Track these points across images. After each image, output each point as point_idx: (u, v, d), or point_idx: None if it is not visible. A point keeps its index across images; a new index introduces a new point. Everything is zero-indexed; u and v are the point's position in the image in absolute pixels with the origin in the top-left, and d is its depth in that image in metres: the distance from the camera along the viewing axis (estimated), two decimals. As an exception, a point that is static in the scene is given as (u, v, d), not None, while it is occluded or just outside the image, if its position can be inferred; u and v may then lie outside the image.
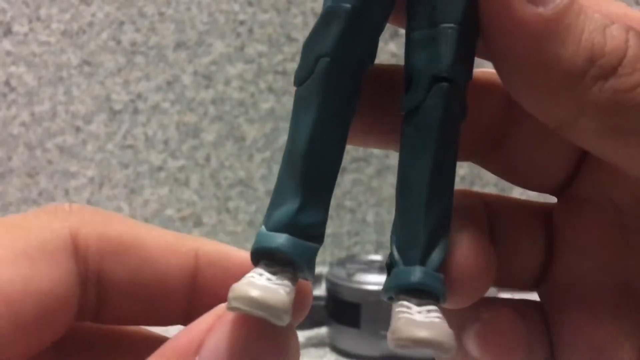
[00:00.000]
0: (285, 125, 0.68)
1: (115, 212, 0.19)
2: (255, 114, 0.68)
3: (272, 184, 0.63)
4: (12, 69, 0.68)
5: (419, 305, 0.16)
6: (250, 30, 0.67)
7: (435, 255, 0.17)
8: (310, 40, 0.16)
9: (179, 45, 0.68)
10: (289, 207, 0.17)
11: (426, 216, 0.17)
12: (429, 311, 0.16)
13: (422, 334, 0.15)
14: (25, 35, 0.68)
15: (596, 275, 0.20)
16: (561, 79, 0.16)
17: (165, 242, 0.19)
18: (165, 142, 0.69)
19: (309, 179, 0.17)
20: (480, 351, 0.19)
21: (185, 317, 0.19)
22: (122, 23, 0.67)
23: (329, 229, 0.68)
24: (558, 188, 0.21)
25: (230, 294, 0.15)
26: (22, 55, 0.68)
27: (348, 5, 0.16)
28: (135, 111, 0.68)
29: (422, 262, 0.16)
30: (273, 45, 0.68)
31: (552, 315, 0.20)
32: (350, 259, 0.57)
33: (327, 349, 0.51)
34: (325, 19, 0.16)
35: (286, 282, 0.16)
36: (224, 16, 0.67)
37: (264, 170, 0.69)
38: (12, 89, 0.68)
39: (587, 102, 0.16)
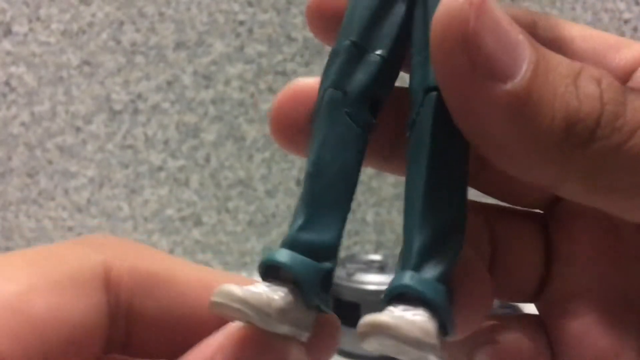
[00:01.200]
0: (285, 125, 0.68)
1: (148, 246, 0.20)
2: (255, 114, 0.68)
3: (272, 184, 0.62)
4: (12, 69, 0.68)
5: (405, 311, 0.16)
6: (250, 30, 0.67)
7: (435, 265, 0.16)
8: (321, 77, 0.18)
9: (179, 45, 0.68)
10: (294, 224, 0.17)
11: (421, 226, 0.16)
12: (413, 314, 0.15)
13: (384, 318, 0.15)
14: (25, 35, 0.68)
15: (594, 287, 0.19)
16: (540, 152, 0.15)
17: (198, 278, 0.19)
18: (165, 142, 0.69)
19: (313, 198, 0.17)
20: None
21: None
22: (122, 23, 0.67)
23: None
24: (547, 204, 0.21)
25: (214, 291, 0.16)
26: (22, 55, 0.68)
27: (347, 42, 0.17)
28: (135, 111, 0.68)
29: (415, 269, 0.16)
30: (273, 45, 0.68)
31: (552, 328, 0.20)
32: (350, 258, 0.57)
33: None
34: (330, 56, 0.18)
35: (284, 289, 0.16)
36: (224, 16, 0.67)
37: (263, 170, 0.69)
38: (12, 89, 0.68)
39: (569, 170, 0.16)
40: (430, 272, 0.16)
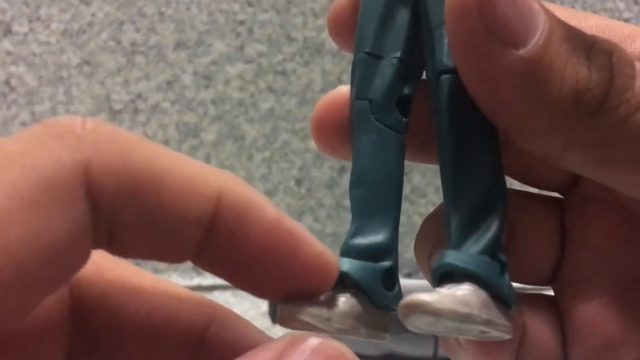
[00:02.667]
0: (285, 125, 0.68)
1: (134, 135, 0.17)
2: (255, 114, 0.68)
3: (272, 184, 0.62)
4: (12, 68, 0.68)
5: (450, 288, 0.16)
6: (250, 30, 0.67)
7: (477, 239, 0.16)
8: (350, 91, 0.19)
9: (179, 45, 0.68)
10: (348, 233, 0.18)
11: (456, 205, 0.17)
12: (457, 289, 0.16)
13: (420, 296, 0.15)
14: (25, 35, 0.68)
15: (606, 271, 0.20)
16: (547, 120, 0.16)
17: (188, 178, 0.17)
18: (165, 142, 0.69)
19: (360, 205, 0.18)
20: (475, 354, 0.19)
21: (196, 256, 0.18)
22: (122, 23, 0.67)
23: (329, 229, 0.68)
24: (565, 187, 0.21)
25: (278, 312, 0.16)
26: (22, 55, 0.68)
27: (362, 54, 0.18)
28: (135, 111, 0.68)
29: (457, 247, 0.17)
30: (273, 45, 0.68)
31: (564, 310, 0.20)
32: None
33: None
34: (352, 70, 0.19)
35: (347, 294, 0.17)
36: (224, 16, 0.67)
37: (264, 170, 0.69)
38: (12, 89, 0.68)
39: (574, 140, 0.16)
40: (473, 246, 0.16)
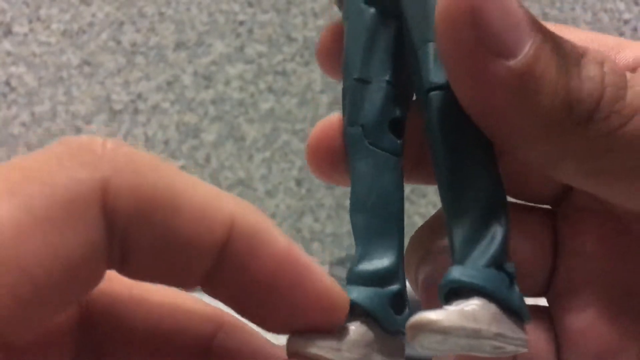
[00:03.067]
0: (285, 126, 0.68)
1: (150, 155, 0.17)
2: (255, 114, 0.68)
3: (272, 184, 0.62)
4: (12, 69, 0.68)
5: (458, 305, 0.16)
6: (250, 31, 0.67)
7: (482, 252, 0.16)
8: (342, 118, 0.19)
9: (179, 46, 0.68)
10: (354, 260, 0.18)
11: (456, 219, 0.17)
12: (465, 305, 0.15)
13: (427, 315, 0.15)
14: (25, 35, 0.68)
15: (600, 281, 0.20)
16: (539, 129, 0.16)
17: (201, 204, 0.16)
18: (165, 142, 0.69)
19: (362, 231, 0.18)
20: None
21: (206, 282, 0.18)
22: (122, 23, 0.67)
23: (329, 229, 0.68)
24: (556, 199, 0.21)
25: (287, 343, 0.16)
26: (22, 56, 0.68)
27: (350, 80, 0.18)
28: (135, 111, 0.68)
29: (461, 262, 0.16)
30: (273, 46, 0.68)
31: (558, 321, 0.20)
32: (350, 258, 0.57)
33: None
34: (342, 97, 0.19)
35: (356, 322, 0.17)
36: (224, 16, 0.67)
37: (264, 170, 0.69)
38: (12, 89, 0.68)
39: (567, 148, 0.16)
40: (479, 260, 0.16)
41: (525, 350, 0.16)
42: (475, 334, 0.15)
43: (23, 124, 0.69)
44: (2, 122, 0.68)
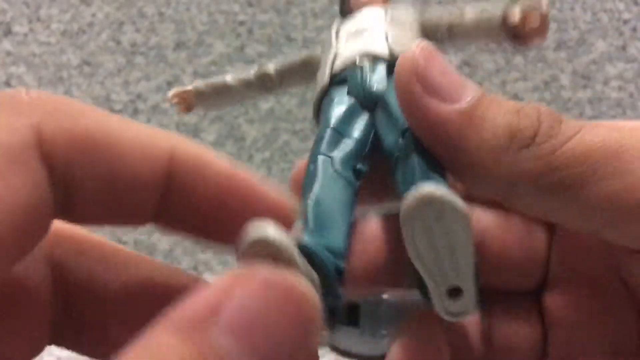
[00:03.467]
0: (285, 126, 0.68)
1: (79, 102, 0.17)
2: (255, 114, 0.68)
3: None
4: (12, 69, 0.68)
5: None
6: (250, 31, 0.68)
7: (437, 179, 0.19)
8: (308, 160, 0.21)
9: (179, 46, 0.68)
10: (304, 230, 0.19)
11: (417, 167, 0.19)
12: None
13: (431, 188, 0.17)
14: (25, 35, 0.68)
15: (590, 345, 0.21)
16: (488, 157, 0.18)
17: (138, 140, 0.17)
18: (165, 142, 0.69)
19: (316, 217, 0.19)
20: None
21: (158, 217, 0.18)
22: (122, 23, 0.67)
23: (329, 229, 0.68)
24: (536, 283, 0.22)
25: (251, 232, 0.16)
26: (22, 56, 0.68)
27: (328, 129, 0.20)
28: (135, 111, 0.68)
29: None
30: (273, 46, 0.68)
31: None
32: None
33: (327, 349, 0.52)
34: (315, 142, 0.21)
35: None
36: (224, 16, 0.67)
37: (264, 170, 0.69)
38: (12, 89, 0.68)
39: (518, 171, 0.18)
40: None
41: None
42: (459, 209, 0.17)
43: (23, 124, 0.69)
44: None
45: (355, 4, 0.23)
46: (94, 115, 0.17)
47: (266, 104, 0.68)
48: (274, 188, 0.18)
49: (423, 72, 0.18)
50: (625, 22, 0.69)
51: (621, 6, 0.68)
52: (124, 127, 0.17)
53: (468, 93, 0.19)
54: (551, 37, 0.68)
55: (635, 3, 0.68)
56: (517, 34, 0.21)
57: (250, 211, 0.17)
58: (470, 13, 0.22)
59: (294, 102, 0.68)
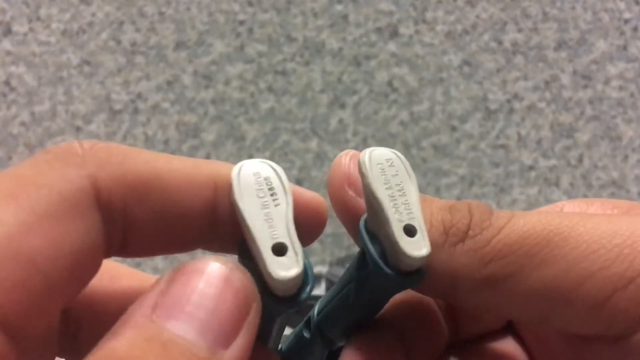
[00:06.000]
0: (285, 125, 0.68)
1: (125, 146, 0.19)
2: (255, 113, 0.68)
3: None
4: (12, 68, 0.68)
5: None
6: (250, 30, 0.67)
7: None
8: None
9: (179, 45, 0.68)
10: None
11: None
12: None
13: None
14: (25, 35, 0.68)
15: None
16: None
17: (184, 174, 0.18)
18: (165, 142, 0.69)
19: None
20: None
21: (207, 241, 0.20)
22: (122, 23, 0.67)
23: (329, 229, 0.68)
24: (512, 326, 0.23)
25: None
26: (22, 55, 0.68)
27: (307, 335, 0.22)
28: (135, 111, 0.68)
29: None
30: (273, 45, 0.68)
31: None
32: (350, 258, 0.57)
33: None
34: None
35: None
36: (224, 16, 0.67)
37: (264, 170, 0.69)
38: (12, 89, 0.68)
39: (454, 267, 0.19)
40: None
41: None
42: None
43: (23, 124, 0.69)
44: (2, 122, 0.68)
45: None
46: (142, 157, 0.18)
47: (266, 103, 0.68)
48: (307, 191, 0.20)
49: (354, 179, 0.20)
50: (626, 21, 0.68)
51: (622, 6, 0.68)
52: (171, 164, 0.19)
53: None
54: (552, 36, 0.68)
55: (636, 2, 0.68)
56: None
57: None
58: None
59: (294, 101, 0.68)
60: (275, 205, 0.18)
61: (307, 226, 0.19)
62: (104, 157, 0.18)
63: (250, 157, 0.68)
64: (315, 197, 0.20)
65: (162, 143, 0.69)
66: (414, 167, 0.67)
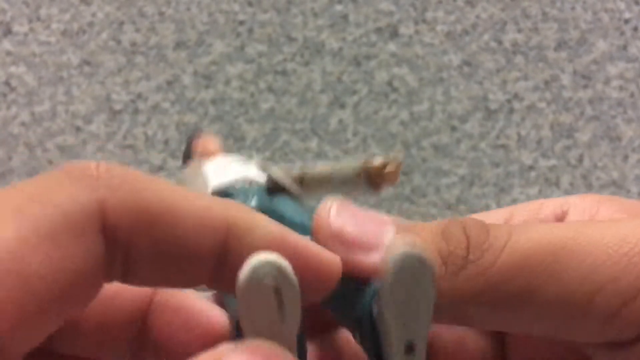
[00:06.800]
0: (285, 125, 0.68)
1: (143, 173, 0.18)
2: (255, 114, 0.68)
3: (272, 184, 0.59)
4: (12, 69, 0.68)
5: None
6: (250, 30, 0.67)
7: None
8: None
9: (179, 45, 0.68)
10: None
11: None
12: None
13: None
14: (25, 35, 0.68)
15: None
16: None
17: (197, 213, 0.18)
18: (166, 142, 0.69)
19: None
20: None
21: (212, 282, 0.19)
22: (122, 23, 0.67)
23: (329, 229, 0.68)
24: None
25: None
26: (22, 55, 0.68)
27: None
28: (135, 111, 0.68)
29: None
30: (273, 45, 0.68)
31: None
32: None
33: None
34: None
35: None
36: (224, 16, 0.67)
37: (264, 170, 0.69)
38: (12, 89, 0.68)
39: (460, 295, 0.18)
40: None
41: None
42: None
43: (23, 124, 0.68)
44: (2, 122, 0.68)
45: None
46: (157, 188, 0.18)
47: (266, 103, 0.68)
48: (324, 250, 0.19)
49: (338, 230, 0.19)
50: (626, 21, 0.68)
51: (622, 5, 0.68)
52: (184, 199, 0.18)
53: (385, 234, 0.19)
54: (552, 36, 0.68)
55: (636, 2, 0.68)
56: (374, 178, 0.22)
57: (301, 273, 0.18)
58: (321, 165, 0.23)
59: (294, 102, 0.68)
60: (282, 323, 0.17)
61: (314, 287, 0.19)
62: (117, 183, 0.17)
63: (251, 157, 0.68)
64: (329, 262, 0.19)
65: (162, 143, 0.69)
66: (414, 167, 0.67)
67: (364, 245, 0.19)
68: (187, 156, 0.25)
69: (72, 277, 0.16)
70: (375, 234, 0.19)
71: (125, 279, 0.18)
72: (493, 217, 0.23)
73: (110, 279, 0.18)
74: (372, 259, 0.19)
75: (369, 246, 0.19)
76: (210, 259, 0.18)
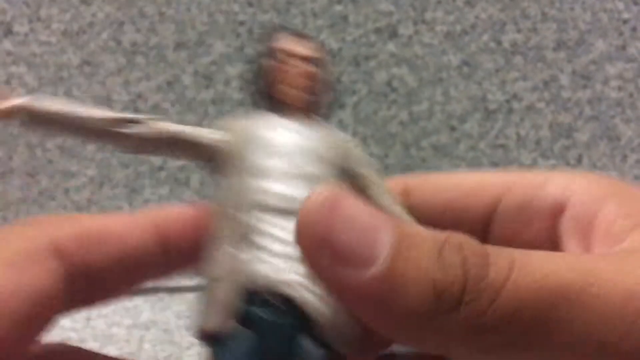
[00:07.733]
0: (285, 125, 0.68)
1: (76, 214, 0.25)
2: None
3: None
4: (13, 69, 0.68)
5: None
6: (250, 31, 0.68)
7: None
8: None
9: (179, 46, 0.68)
10: None
11: None
12: None
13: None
14: (26, 35, 0.68)
15: None
16: (416, 324, 0.16)
17: (128, 224, 0.23)
18: (166, 142, 0.69)
19: None
20: None
21: (160, 274, 0.24)
22: (122, 23, 0.67)
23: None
24: None
25: None
26: (23, 56, 0.68)
27: None
28: (136, 111, 0.68)
29: None
30: (273, 46, 0.68)
31: None
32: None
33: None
34: None
35: None
36: (224, 16, 0.67)
37: (263, 170, 0.69)
38: (12, 89, 0.68)
39: (449, 334, 0.17)
40: None
41: None
42: None
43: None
44: (2, 122, 0.68)
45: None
46: (91, 219, 0.23)
47: (266, 103, 0.68)
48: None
49: (328, 235, 0.16)
50: (625, 21, 0.69)
51: (621, 6, 0.68)
52: (114, 218, 0.23)
53: (383, 244, 0.16)
54: (551, 37, 0.68)
55: (635, 3, 0.68)
56: None
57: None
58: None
59: (294, 102, 0.68)
60: None
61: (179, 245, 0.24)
62: (59, 222, 0.22)
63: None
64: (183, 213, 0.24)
65: (163, 143, 0.69)
66: (414, 167, 0.67)
67: (354, 256, 0.16)
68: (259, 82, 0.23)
69: (35, 293, 0.20)
70: (369, 242, 0.16)
71: (92, 297, 0.22)
72: (488, 180, 0.24)
73: (74, 303, 0.22)
74: (362, 277, 0.16)
75: (360, 259, 0.16)
76: (153, 256, 0.23)
